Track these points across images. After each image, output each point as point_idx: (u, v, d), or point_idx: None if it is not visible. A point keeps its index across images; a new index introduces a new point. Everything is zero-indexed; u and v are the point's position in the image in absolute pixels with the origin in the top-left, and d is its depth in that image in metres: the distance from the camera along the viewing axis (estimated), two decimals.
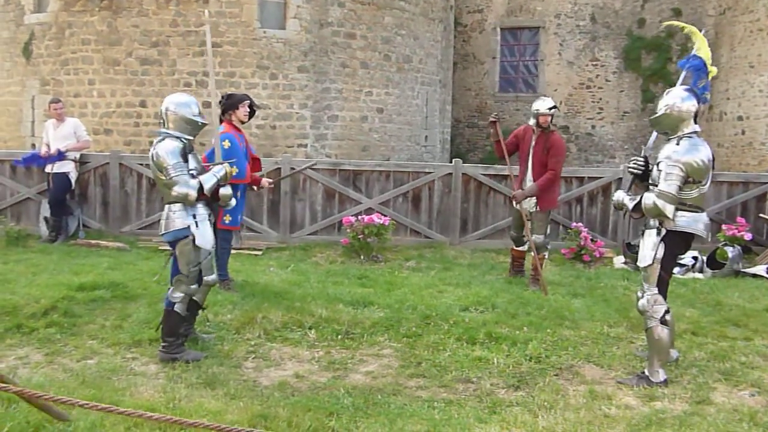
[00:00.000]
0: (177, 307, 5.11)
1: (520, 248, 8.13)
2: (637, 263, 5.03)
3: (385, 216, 9.46)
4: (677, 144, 4.71)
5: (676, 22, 5.66)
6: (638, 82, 22.68)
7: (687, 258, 8.45)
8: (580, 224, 9.65)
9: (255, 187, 7.41)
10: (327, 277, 7.75)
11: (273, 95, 15.17)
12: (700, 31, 5.57)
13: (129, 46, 14.14)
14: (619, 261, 9.23)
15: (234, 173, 5.37)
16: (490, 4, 23.02)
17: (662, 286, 4.85)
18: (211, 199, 5.22)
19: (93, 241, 9.42)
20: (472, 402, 4.49)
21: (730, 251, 8.83)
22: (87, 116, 14.02)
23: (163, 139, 5.06)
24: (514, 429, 4.03)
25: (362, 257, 9.10)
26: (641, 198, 4.84)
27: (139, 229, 10.14)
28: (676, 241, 4.81)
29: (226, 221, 6.91)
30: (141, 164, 10.15)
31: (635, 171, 5.04)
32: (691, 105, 4.76)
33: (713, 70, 4.97)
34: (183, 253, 5.08)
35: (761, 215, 9.94)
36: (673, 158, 4.65)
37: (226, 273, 7.03)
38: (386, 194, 10.16)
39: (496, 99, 23.30)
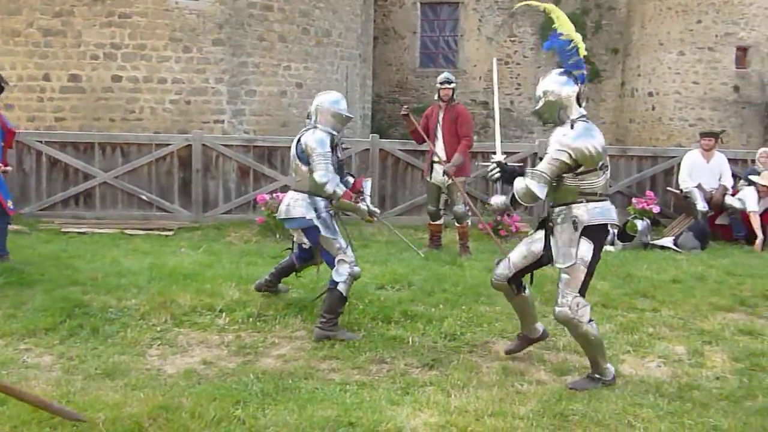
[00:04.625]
0: (340, 287, 5.16)
1: (437, 222, 8.29)
2: (554, 264, 4.39)
3: None
4: (571, 128, 4.25)
5: (530, 2, 5.07)
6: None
7: None
8: None
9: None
10: (240, 258, 7.52)
11: (187, 69, 14.60)
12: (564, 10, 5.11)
13: (30, 16, 13.28)
14: None
15: None
16: None
17: (585, 288, 4.34)
18: None
19: None
20: (385, 383, 4.40)
21: (640, 224, 9.07)
22: None
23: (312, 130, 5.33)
24: (426, 410, 3.96)
25: (278, 236, 8.89)
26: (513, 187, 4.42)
27: (40, 210, 9.57)
28: (599, 236, 4.34)
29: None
30: (40, 141, 9.57)
31: (495, 177, 4.60)
32: (569, 88, 4.34)
33: (581, 45, 4.45)
34: (326, 241, 5.22)
35: (669, 189, 10.26)
36: (564, 142, 4.21)
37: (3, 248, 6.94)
38: None
39: (417, 74, 23.29)
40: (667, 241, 8.97)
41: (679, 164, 10.02)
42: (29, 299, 5.73)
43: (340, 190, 5.23)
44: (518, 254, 4.65)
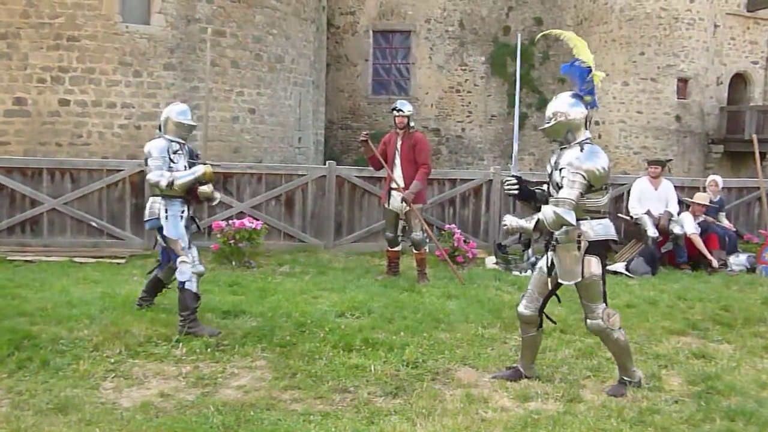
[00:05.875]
0: (188, 285, 5.65)
1: (395, 249, 8.28)
2: (560, 281, 4.67)
3: (257, 220, 9.16)
4: (581, 150, 4.49)
5: (553, 31, 5.44)
6: (504, 87, 23.54)
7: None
8: (453, 225, 9.78)
9: None
10: None
11: (137, 93, 14.41)
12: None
13: None
14: (490, 261, 9.43)
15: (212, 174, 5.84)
16: (362, 6, 23.13)
17: (605, 296, 4.70)
18: (191, 195, 5.85)
19: None
20: (349, 413, 4.34)
21: None
22: None
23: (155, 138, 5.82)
24: None
25: (234, 263, 8.75)
26: (538, 214, 4.60)
27: None
28: (601, 251, 4.65)
29: None
30: None
31: (512, 192, 4.77)
32: (579, 111, 4.58)
33: (598, 74, 4.70)
34: (170, 241, 5.72)
35: (619, 215, 10.49)
36: (575, 165, 4.43)
37: None
38: (258, 197, 9.85)
39: (369, 101, 23.44)
40: (620, 266, 9.16)
41: (628, 191, 10.28)
42: None
43: (172, 178, 5.59)
44: (538, 283, 4.84)
